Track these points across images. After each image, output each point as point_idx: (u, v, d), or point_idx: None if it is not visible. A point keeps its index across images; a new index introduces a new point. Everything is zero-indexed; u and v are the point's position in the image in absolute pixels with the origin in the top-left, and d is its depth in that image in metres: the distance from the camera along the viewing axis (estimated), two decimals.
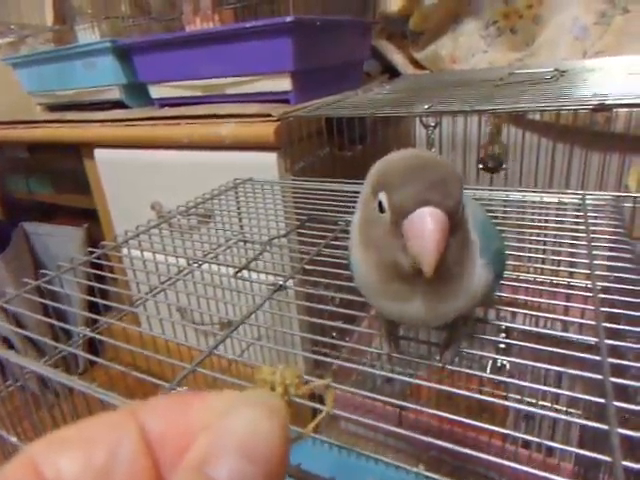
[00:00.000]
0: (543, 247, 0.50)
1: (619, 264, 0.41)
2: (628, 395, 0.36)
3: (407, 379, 0.36)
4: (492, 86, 0.81)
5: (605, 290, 0.40)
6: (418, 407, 0.33)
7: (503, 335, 0.64)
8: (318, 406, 0.30)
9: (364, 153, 0.85)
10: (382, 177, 0.28)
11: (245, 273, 0.52)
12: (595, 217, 0.52)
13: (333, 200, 0.64)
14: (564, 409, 0.65)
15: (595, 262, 0.41)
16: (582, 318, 0.42)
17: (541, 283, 0.46)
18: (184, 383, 0.34)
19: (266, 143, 0.77)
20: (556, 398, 0.68)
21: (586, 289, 0.41)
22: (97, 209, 1.11)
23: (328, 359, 0.38)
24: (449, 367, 0.34)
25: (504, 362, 0.72)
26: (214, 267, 0.57)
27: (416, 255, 0.25)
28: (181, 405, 0.14)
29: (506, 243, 0.50)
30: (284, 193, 0.71)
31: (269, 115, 0.78)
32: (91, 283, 0.49)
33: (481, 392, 0.71)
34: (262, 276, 0.53)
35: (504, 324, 0.40)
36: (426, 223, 0.24)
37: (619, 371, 0.32)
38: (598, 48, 0.99)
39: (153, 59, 0.96)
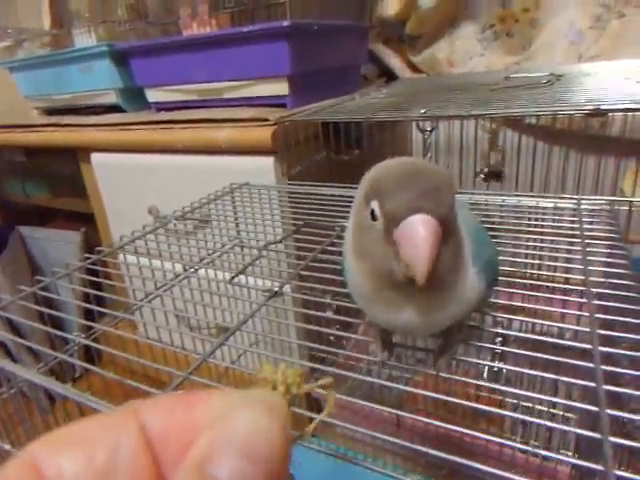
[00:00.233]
0: (539, 253, 0.50)
1: (614, 270, 0.41)
2: (622, 400, 0.36)
3: (402, 387, 0.36)
4: (488, 90, 0.81)
5: (600, 296, 0.40)
6: (413, 416, 0.33)
7: (500, 339, 0.64)
8: (310, 414, 0.30)
9: (361, 157, 0.85)
10: (375, 184, 0.28)
11: (242, 279, 0.52)
12: (590, 222, 0.52)
13: (330, 205, 0.63)
14: (561, 413, 0.65)
15: (590, 268, 0.41)
16: (577, 323, 0.43)
17: (537, 289, 0.46)
18: (179, 389, 0.34)
19: (263, 147, 0.77)
20: (553, 402, 0.68)
21: (581, 295, 0.41)
22: (94, 213, 1.11)
23: (323, 367, 0.38)
24: (443, 374, 0.34)
25: (501, 364, 0.72)
26: (210, 272, 0.57)
27: (408, 263, 0.25)
28: (183, 404, 0.14)
29: (502, 248, 0.50)
30: (281, 198, 0.71)
31: (266, 119, 0.78)
32: (86, 290, 0.49)
33: (478, 397, 0.71)
34: (259, 282, 0.53)
35: (499, 331, 0.40)
36: (418, 231, 0.24)
37: (613, 377, 0.32)
38: (594, 52, 1.00)
39: (150, 63, 0.96)
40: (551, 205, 0.57)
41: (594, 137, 0.82)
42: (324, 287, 0.48)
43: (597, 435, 0.24)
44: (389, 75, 1.25)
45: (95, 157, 1.00)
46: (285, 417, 0.14)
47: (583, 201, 0.56)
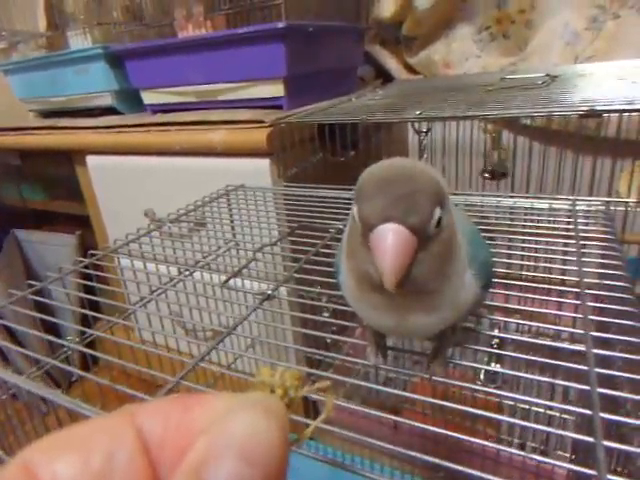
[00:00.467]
0: (535, 254, 0.50)
1: (608, 271, 0.41)
2: (619, 402, 0.36)
3: (398, 392, 0.36)
4: (484, 91, 0.81)
5: (594, 298, 0.40)
6: (410, 422, 0.33)
7: (496, 341, 0.64)
8: (307, 420, 0.30)
9: (357, 159, 0.84)
10: (357, 187, 0.28)
11: (238, 281, 0.52)
12: (586, 223, 0.52)
13: (325, 207, 0.63)
14: (558, 414, 0.65)
15: (584, 269, 0.41)
16: (573, 325, 0.42)
17: (532, 290, 0.45)
18: (171, 394, 0.33)
19: (259, 149, 0.77)
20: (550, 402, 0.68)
21: (576, 296, 0.41)
22: (90, 216, 1.10)
23: (319, 371, 0.38)
24: (436, 378, 0.34)
25: (497, 367, 0.72)
26: (206, 276, 0.56)
27: (379, 270, 0.25)
28: (180, 407, 0.14)
29: (497, 250, 0.50)
30: (276, 200, 0.71)
31: (261, 121, 0.78)
32: (79, 294, 0.49)
33: (475, 399, 0.71)
34: (255, 284, 0.53)
35: (493, 334, 0.39)
36: (387, 240, 0.25)
37: (608, 379, 0.32)
38: (589, 53, 1.00)
39: (145, 65, 0.96)
40: (546, 206, 0.57)
41: (590, 138, 0.82)
42: (320, 290, 0.48)
43: (590, 439, 0.24)
44: (385, 76, 1.25)
45: (90, 159, 1.00)
46: (283, 420, 0.14)
47: (578, 202, 0.56)
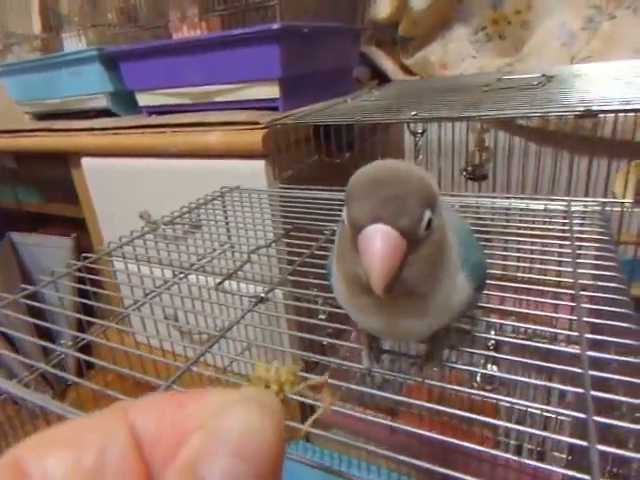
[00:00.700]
0: (530, 256, 0.50)
1: (604, 272, 0.41)
2: (614, 404, 0.36)
3: (394, 397, 0.35)
4: (480, 92, 0.81)
5: (590, 299, 0.40)
6: (406, 427, 0.33)
7: (492, 343, 0.63)
8: (294, 424, 0.29)
9: (352, 160, 0.84)
10: (348, 189, 0.27)
11: (233, 284, 0.51)
12: (581, 224, 0.52)
13: (321, 208, 0.63)
14: (554, 416, 0.65)
15: (579, 271, 0.41)
16: (569, 326, 0.42)
17: (527, 292, 0.45)
18: None
19: (254, 151, 0.77)
20: (547, 402, 0.68)
21: (571, 298, 0.40)
22: (85, 218, 1.10)
23: (314, 375, 0.37)
24: (429, 381, 0.34)
25: (494, 368, 0.71)
26: (200, 278, 0.56)
27: (367, 272, 0.25)
28: (174, 403, 0.14)
29: (492, 251, 0.50)
30: (271, 201, 0.71)
31: (257, 123, 0.78)
32: (73, 298, 0.49)
33: (472, 400, 0.71)
34: (251, 287, 0.53)
35: (488, 336, 0.39)
36: (375, 242, 0.24)
37: (603, 381, 0.31)
38: (586, 54, 1.00)
39: (140, 67, 0.96)
40: (542, 207, 0.57)
41: (586, 138, 0.82)
42: (315, 293, 0.48)
43: (584, 443, 0.24)
44: (382, 78, 1.25)
45: (86, 162, 1.00)
46: (278, 416, 0.14)
47: (573, 203, 0.56)
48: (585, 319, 0.35)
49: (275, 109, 0.87)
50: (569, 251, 0.45)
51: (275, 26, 0.78)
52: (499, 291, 0.45)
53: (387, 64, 1.23)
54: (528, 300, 0.45)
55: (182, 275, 0.55)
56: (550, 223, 0.53)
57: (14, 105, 1.23)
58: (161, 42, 0.93)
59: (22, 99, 1.20)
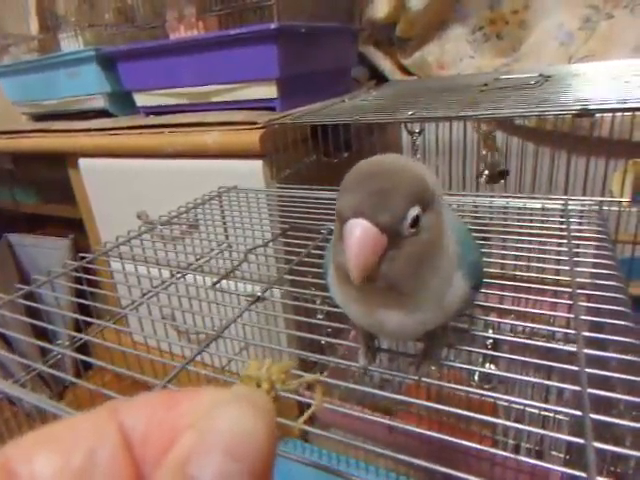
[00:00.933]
0: (528, 255, 0.50)
1: (601, 271, 0.41)
2: (612, 402, 0.36)
3: (392, 395, 0.35)
4: (477, 92, 0.81)
5: (587, 298, 0.40)
6: (404, 426, 0.33)
7: (490, 342, 0.63)
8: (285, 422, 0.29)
9: (350, 160, 0.84)
10: (343, 180, 0.28)
11: (231, 284, 0.51)
12: (579, 223, 0.52)
13: (318, 208, 0.63)
14: (552, 415, 0.65)
15: (576, 269, 0.41)
16: (567, 325, 0.42)
17: (526, 291, 0.45)
18: None
19: (251, 151, 0.76)
20: (545, 401, 0.68)
21: (569, 297, 0.40)
22: (83, 219, 1.10)
23: (311, 374, 0.37)
24: (426, 380, 0.34)
25: (492, 367, 0.71)
26: (198, 278, 0.56)
27: (346, 262, 0.25)
28: (165, 403, 0.14)
29: (490, 250, 0.50)
30: (269, 201, 0.71)
31: (254, 123, 0.78)
32: (70, 298, 0.48)
33: (470, 399, 0.71)
34: (249, 286, 0.53)
35: (485, 334, 0.39)
36: (353, 235, 0.25)
37: (602, 380, 0.31)
38: (583, 53, 1.00)
39: (138, 67, 0.95)
40: (539, 206, 0.57)
41: (583, 138, 0.82)
42: (313, 292, 0.48)
43: (580, 440, 0.24)
44: (379, 78, 1.25)
45: (83, 162, 0.99)
46: (270, 415, 0.14)
47: (571, 202, 0.56)
48: (582, 317, 0.35)
49: (273, 109, 0.87)
50: (566, 250, 0.44)
51: (272, 26, 0.78)
52: (498, 290, 0.45)
53: (385, 64, 1.23)
54: (526, 299, 0.45)
55: (179, 275, 0.55)
56: (548, 222, 0.53)
57: (11, 106, 1.23)
58: (158, 42, 0.93)
59: (19, 100, 1.20)
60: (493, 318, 0.42)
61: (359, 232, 0.25)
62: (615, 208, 0.61)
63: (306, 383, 0.19)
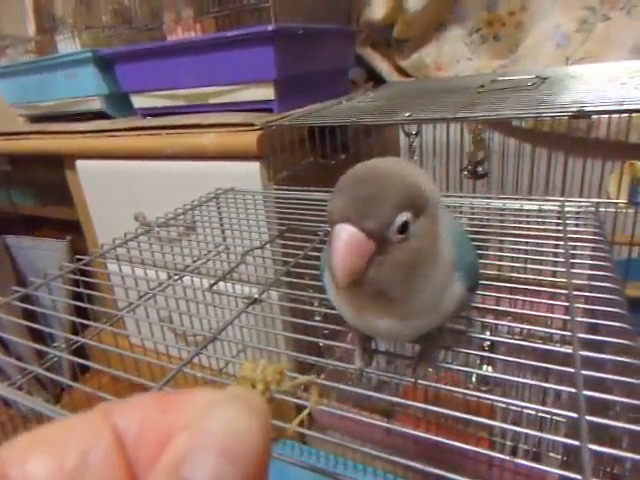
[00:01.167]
0: (524, 256, 0.50)
1: (598, 272, 0.41)
2: (609, 404, 0.36)
3: (387, 397, 0.35)
4: (474, 93, 0.81)
5: (584, 299, 0.40)
6: (401, 429, 0.33)
7: (487, 343, 0.63)
8: (280, 424, 0.29)
9: (348, 162, 0.84)
10: (337, 183, 0.28)
11: (228, 286, 0.51)
12: (575, 224, 0.52)
13: (315, 209, 0.63)
14: (549, 417, 0.65)
15: (573, 271, 0.41)
16: (564, 326, 0.42)
17: (522, 293, 0.45)
18: None
19: (249, 152, 0.76)
20: (542, 403, 0.68)
21: (565, 299, 0.40)
22: (80, 221, 1.10)
23: (299, 375, 0.37)
24: (422, 382, 0.34)
25: (489, 369, 0.71)
26: (195, 280, 0.56)
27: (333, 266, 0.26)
28: (159, 404, 0.14)
29: (487, 252, 0.50)
30: (266, 203, 0.71)
31: (251, 124, 0.78)
32: (67, 300, 0.48)
33: (467, 401, 0.71)
34: (246, 288, 0.53)
35: (481, 336, 0.39)
36: (340, 239, 0.25)
37: (598, 382, 0.31)
38: (580, 55, 1.00)
39: (135, 69, 0.95)
40: (535, 208, 0.57)
41: (580, 139, 0.82)
42: (310, 294, 0.48)
43: (576, 442, 0.24)
44: (377, 79, 1.25)
45: (80, 164, 0.99)
46: (264, 416, 0.14)
47: (567, 203, 0.56)
48: (578, 319, 0.35)
49: (270, 111, 0.87)
50: (563, 251, 0.45)
51: (269, 27, 0.78)
52: (494, 291, 0.45)
53: (382, 66, 1.23)
54: (523, 300, 0.45)
55: (177, 277, 0.55)
56: (544, 223, 0.53)
57: (8, 107, 1.22)
58: (156, 44, 0.93)
59: (16, 102, 1.20)
60: (490, 320, 0.42)
61: (345, 237, 0.25)
62: (612, 210, 0.61)
63: (301, 384, 0.19)
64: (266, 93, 0.86)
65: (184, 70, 0.90)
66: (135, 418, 0.14)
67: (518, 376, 0.45)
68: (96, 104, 1.05)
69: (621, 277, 0.42)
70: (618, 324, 0.33)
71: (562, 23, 1.00)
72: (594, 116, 0.66)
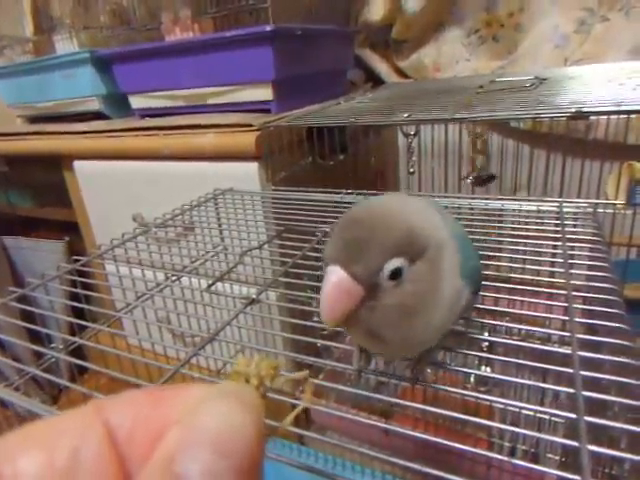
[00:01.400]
0: (523, 257, 0.50)
1: (596, 273, 0.41)
2: (607, 404, 0.36)
3: (386, 398, 0.35)
4: (472, 94, 0.81)
5: (582, 300, 0.40)
6: (399, 429, 0.33)
7: (486, 344, 0.63)
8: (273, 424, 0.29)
9: (346, 162, 0.84)
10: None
11: (226, 286, 0.51)
12: (573, 225, 0.52)
13: (313, 210, 0.63)
14: (547, 417, 0.65)
15: (571, 271, 0.41)
16: (563, 327, 0.42)
17: (520, 293, 0.45)
18: None
19: (247, 153, 0.76)
20: (541, 403, 0.68)
21: (563, 299, 0.40)
22: (78, 222, 1.09)
23: (291, 373, 0.37)
24: (420, 382, 0.33)
25: (487, 370, 0.71)
26: (193, 280, 0.56)
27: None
28: (151, 400, 0.14)
29: (486, 253, 0.50)
30: (264, 203, 0.70)
31: (250, 125, 0.78)
32: (64, 301, 0.48)
33: (466, 402, 0.71)
34: (244, 288, 0.52)
35: (479, 337, 0.39)
36: (327, 282, 0.25)
37: (596, 382, 0.31)
38: (578, 56, 1.00)
39: (133, 69, 0.95)
40: (534, 208, 0.57)
41: (578, 140, 0.82)
42: (309, 295, 0.48)
43: (574, 443, 0.24)
44: (376, 80, 1.25)
45: (78, 165, 0.99)
46: (258, 410, 0.14)
47: (566, 204, 0.56)
48: (577, 319, 0.35)
49: (268, 111, 0.87)
50: (561, 252, 0.45)
51: (268, 28, 0.78)
52: (493, 292, 0.45)
53: (381, 66, 1.23)
54: (522, 301, 0.45)
55: (174, 277, 0.54)
56: (543, 224, 0.53)
57: (6, 108, 1.22)
58: (153, 44, 0.93)
59: (14, 102, 1.20)
60: (488, 320, 0.42)
61: (334, 279, 0.25)
62: (610, 210, 0.61)
63: (295, 380, 0.19)
64: (264, 94, 0.85)
65: (182, 70, 0.90)
66: (127, 414, 0.13)
67: (517, 377, 0.45)
68: (94, 105, 1.05)
69: (619, 278, 0.42)
70: (616, 325, 0.33)
71: (561, 24, 1.00)
72: (592, 117, 0.66)
